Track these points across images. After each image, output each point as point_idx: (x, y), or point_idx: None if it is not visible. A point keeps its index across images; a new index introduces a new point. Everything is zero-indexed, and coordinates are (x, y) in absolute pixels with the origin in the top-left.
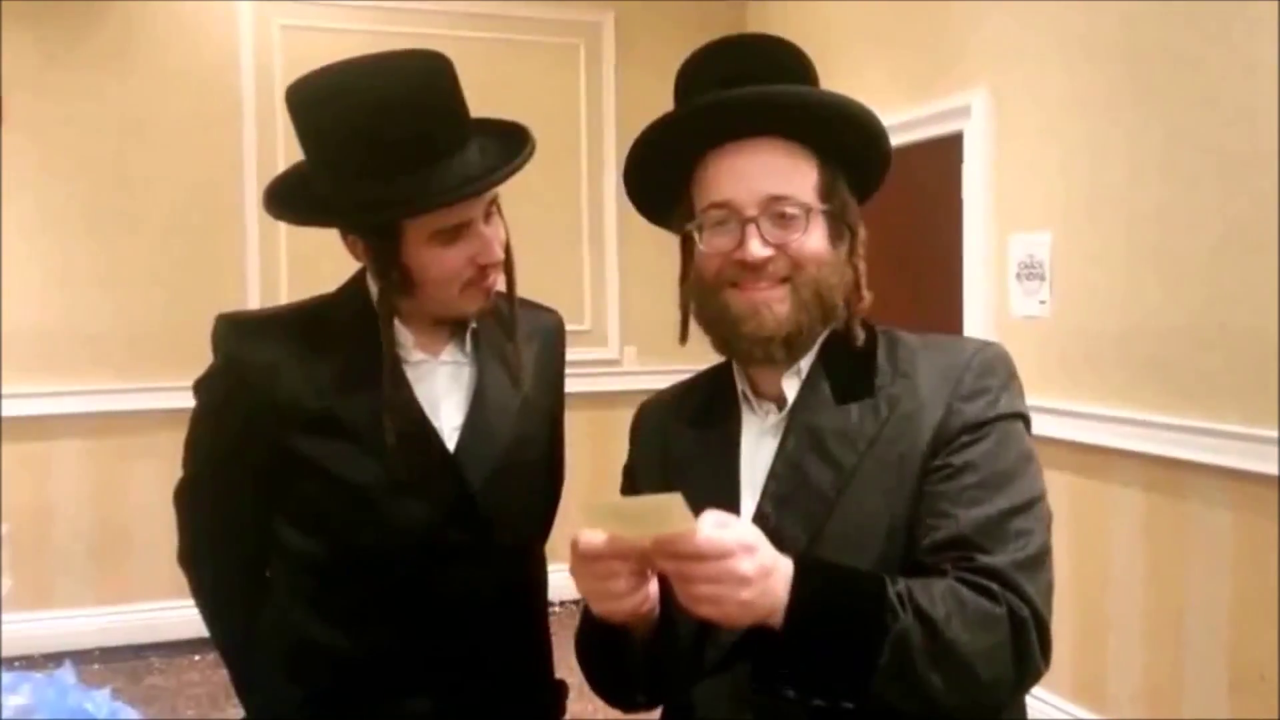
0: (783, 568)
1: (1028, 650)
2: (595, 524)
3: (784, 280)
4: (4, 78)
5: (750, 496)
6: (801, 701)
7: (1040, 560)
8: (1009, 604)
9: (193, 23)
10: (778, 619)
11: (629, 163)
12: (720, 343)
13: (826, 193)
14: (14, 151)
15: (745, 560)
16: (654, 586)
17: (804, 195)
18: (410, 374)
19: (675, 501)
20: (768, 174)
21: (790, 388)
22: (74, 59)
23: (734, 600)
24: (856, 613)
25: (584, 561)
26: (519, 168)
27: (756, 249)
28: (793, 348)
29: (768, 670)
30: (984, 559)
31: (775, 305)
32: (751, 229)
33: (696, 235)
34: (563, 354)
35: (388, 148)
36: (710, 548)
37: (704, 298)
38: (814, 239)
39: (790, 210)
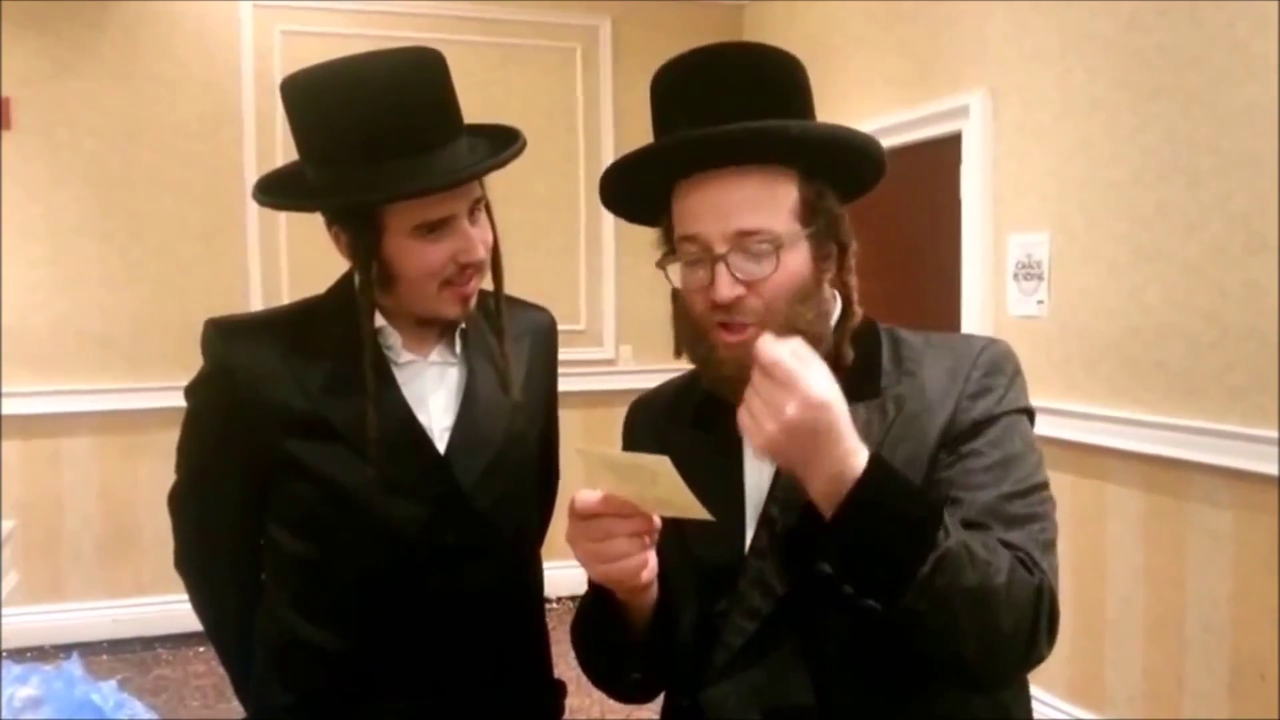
0: (849, 452)
1: (1041, 625)
2: (591, 472)
3: (754, 324)
4: (10, 82)
5: (754, 499)
6: (834, 583)
7: (1054, 545)
8: (1039, 574)
9: (195, 29)
10: (829, 495)
11: (602, 191)
12: (709, 381)
13: (809, 214)
14: (21, 155)
15: (791, 403)
16: (653, 559)
17: (777, 225)
18: (399, 375)
19: (663, 464)
20: (738, 207)
21: None
22: (79, 64)
23: (761, 428)
24: (912, 519)
25: (581, 522)
26: (503, 163)
27: (725, 290)
28: None
29: (810, 549)
30: (1004, 536)
31: (751, 349)
32: (721, 268)
33: (672, 271)
34: (555, 352)
35: (374, 137)
36: (773, 365)
37: (691, 336)
38: (785, 273)
39: (759, 246)
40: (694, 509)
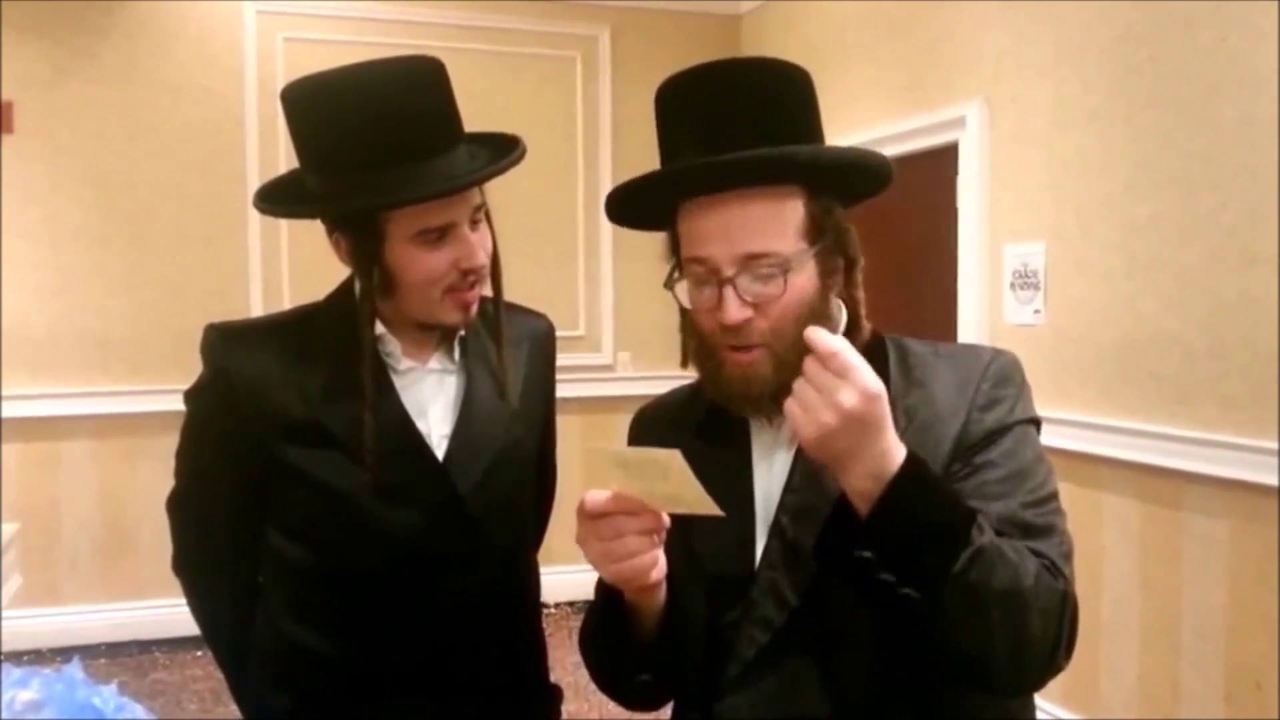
0: (891, 447)
1: (1064, 632)
2: (599, 471)
3: (761, 345)
4: (12, 86)
5: (764, 509)
6: (869, 570)
7: (1072, 556)
8: (1063, 582)
9: (197, 34)
10: (869, 489)
11: (608, 209)
12: (716, 396)
13: (816, 231)
14: (23, 158)
15: (848, 392)
16: (663, 557)
17: (784, 246)
18: (398, 382)
19: (674, 458)
20: (745, 230)
21: None
22: (80, 68)
23: (816, 418)
24: (948, 514)
25: (591, 522)
26: (502, 170)
27: (734, 312)
28: (781, 401)
29: (845, 540)
30: (1026, 544)
31: (759, 369)
32: (729, 291)
33: (680, 291)
34: (553, 359)
35: (374, 144)
36: (831, 355)
37: (701, 355)
38: (794, 292)
39: (767, 270)
40: (705, 504)
